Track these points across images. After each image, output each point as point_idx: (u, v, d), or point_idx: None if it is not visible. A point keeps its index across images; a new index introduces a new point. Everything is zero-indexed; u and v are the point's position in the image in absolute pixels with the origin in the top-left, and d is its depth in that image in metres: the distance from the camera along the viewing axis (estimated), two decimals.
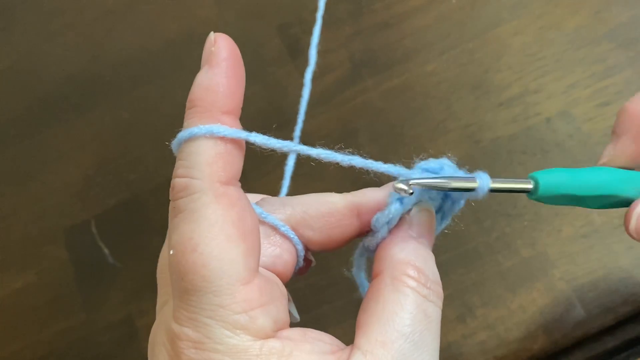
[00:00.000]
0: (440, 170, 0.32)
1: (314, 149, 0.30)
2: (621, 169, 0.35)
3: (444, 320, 0.54)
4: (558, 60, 0.59)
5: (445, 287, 0.54)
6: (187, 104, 0.29)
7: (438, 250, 0.56)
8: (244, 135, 0.29)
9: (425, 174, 0.31)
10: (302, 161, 0.60)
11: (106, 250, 0.62)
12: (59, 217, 0.64)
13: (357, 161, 0.31)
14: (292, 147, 0.30)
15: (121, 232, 0.62)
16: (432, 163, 0.32)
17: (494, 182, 0.32)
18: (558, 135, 0.57)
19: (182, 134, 0.29)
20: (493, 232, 0.56)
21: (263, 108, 0.63)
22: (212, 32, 0.29)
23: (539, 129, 0.57)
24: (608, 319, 0.53)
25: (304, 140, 0.58)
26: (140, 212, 0.62)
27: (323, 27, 0.64)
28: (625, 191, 0.34)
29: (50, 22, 0.71)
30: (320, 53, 0.63)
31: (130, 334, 0.59)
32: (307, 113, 0.61)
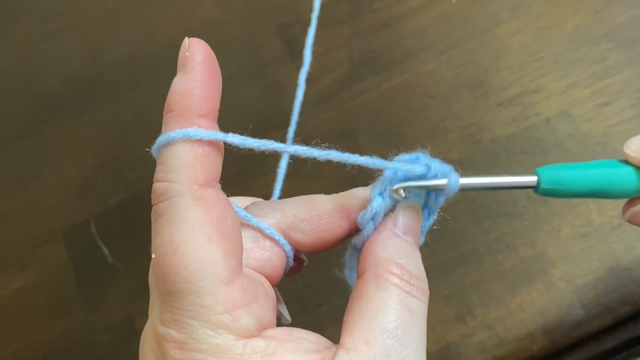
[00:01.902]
0: (416, 160, 0.32)
1: (291, 146, 0.31)
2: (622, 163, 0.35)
3: (443, 320, 0.54)
4: (557, 60, 0.59)
5: (444, 287, 0.55)
6: (165, 109, 0.30)
7: (438, 250, 0.56)
8: (220, 136, 0.29)
9: (402, 164, 0.32)
10: (301, 161, 0.60)
11: (106, 250, 0.62)
12: (58, 217, 0.64)
13: (334, 155, 0.31)
14: (269, 146, 0.30)
15: (121, 232, 0.62)
16: (406, 156, 0.33)
17: (492, 178, 0.32)
18: (557, 135, 0.57)
19: (161, 139, 0.29)
20: (493, 232, 0.56)
21: (262, 108, 0.63)
22: (186, 38, 0.30)
23: (539, 129, 0.58)
24: (607, 319, 0.53)
25: (303, 141, 0.58)
26: (140, 212, 0.62)
27: (322, 27, 0.64)
28: (622, 190, 0.35)
29: (50, 23, 0.71)
30: (319, 53, 0.63)
31: (130, 334, 0.59)
32: (306, 113, 0.62)
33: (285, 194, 0.59)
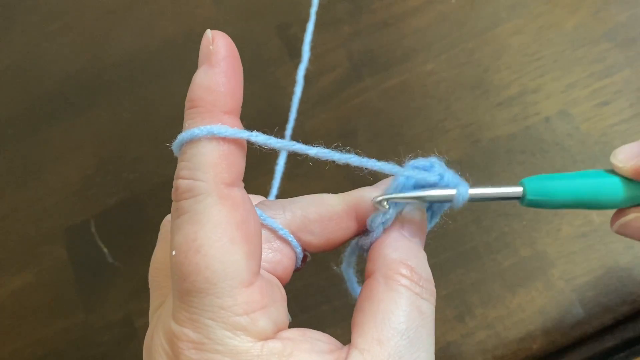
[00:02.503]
0: (430, 167, 0.32)
1: (312, 148, 0.30)
2: (610, 174, 0.35)
3: (443, 320, 0.54)
4: (557, 60, 0.59)
5: (444, 286, 0.55)
6: (187, 104, 0.29)
7: (437, 250, 0.56)
8: (245, 135, 0.29)
9: (416, 171, 0.32)
10: (301, 161, 0.60)
11: (105, 250, 0.62)
12: (58, 217, 0.64)
13: (354, 159, 0.31)
14: (292, 147, 0.30)
15: (120, 232, 0.62)
16: (421, 161, 0.33)
17: (477, 189, 0.32)
18: (557, 135, 0.57)
19: (184, 135, 0.28)
20: (492, 231, 0.56)
21: (262, 108, 0.63)
22: (208, 30, 0.29)
23: (538, 128, 0.58)
24: (607, 319, 0.53)
25: (302, 140, 0.58)
26: (140, 212, 0.62)
27: (322, 27, 0.64)
28: (608, 201, 0.34)
29: (50, 22, 0.71)
30: (319, 53, 0.63)
31: (130, 333, 0.59)
32: (306, 113, 0.62)
33: (285, 193, 0.59)
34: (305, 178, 0.59)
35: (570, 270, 0.54)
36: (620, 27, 0.59)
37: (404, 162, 0.33)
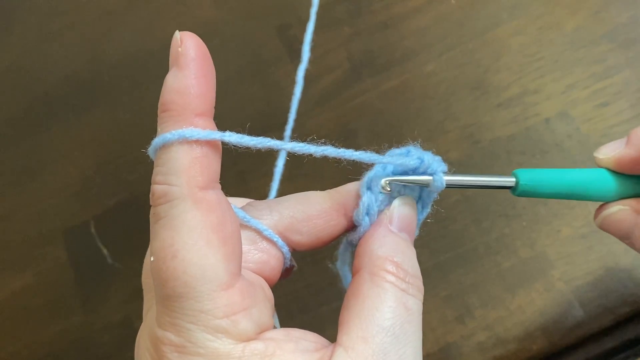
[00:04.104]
0: (407, 153, 0.33)
1: (287, 143, 0.30)
2: (602, 170, 0.37)
3: (443, 321, 0.54)
4: (557, 61, 0.59)
5: (444, 287, 0.55)
6: (159, 108, 0.29)
7: (437, 251, 0.56)
8: (217, 136, 0.28)
9: (395, 157, 0.33)
10: (300, 162, 0.60)
11: (105, 251, 0.62)
12: (58, 218, 0.64)
13: (330, 151, 0.31)
14: (266, 143, 0.30)
15: (120, 233, 0.62)
16: (398, 150, 0.33)
17: (472, 177, 0.34)
18: (557, 136, 0.57)
19: (157, 140, 0.28)
20: (492, 232, 0.56)
21: (262, 108, 0.63)
22: (177, 31, 0.28)
23: (538, 129, 0.58)
24: (607, 320, 0.53)
25: (303, 141, 0.58)
26: (140, 213, 0.62)
27: (322, 27, 0.64)
28: (597, 192, 0.37)
29: (49, 23, 0.71)
30: (319, 53, 0.63)
31: (129, 334, 0.59)
32: (306, 114, 0.62)
33: (284, 194, 0.59)
34: (304, 179, 0.59)
35: (570, 271, 0.54)
36: (621, 28, 0.59)
37: (383, 151, 0.33)
